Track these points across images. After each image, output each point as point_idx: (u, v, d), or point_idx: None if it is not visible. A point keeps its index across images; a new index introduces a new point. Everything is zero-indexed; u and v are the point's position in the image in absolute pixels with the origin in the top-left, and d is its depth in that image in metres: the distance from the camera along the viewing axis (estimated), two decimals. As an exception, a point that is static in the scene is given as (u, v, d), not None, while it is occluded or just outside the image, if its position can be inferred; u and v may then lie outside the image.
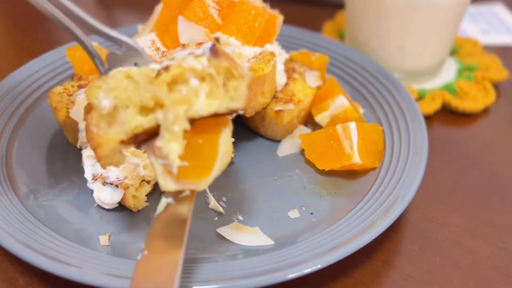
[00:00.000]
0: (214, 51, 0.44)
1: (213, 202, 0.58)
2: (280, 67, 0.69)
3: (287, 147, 0.67)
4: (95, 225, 0.56)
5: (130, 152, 0.58)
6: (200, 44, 0.59)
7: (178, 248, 0.45)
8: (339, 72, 0.77)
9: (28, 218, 0.54)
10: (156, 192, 0.60)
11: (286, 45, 0.79)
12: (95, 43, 0.72)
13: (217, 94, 0.45)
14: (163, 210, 0.48)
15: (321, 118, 0.68)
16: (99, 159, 0.46)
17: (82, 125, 0.60)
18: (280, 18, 0.68)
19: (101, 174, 0.56)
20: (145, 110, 0.45)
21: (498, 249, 0.58)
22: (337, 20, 0.98)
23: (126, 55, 0.52)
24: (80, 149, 0.61)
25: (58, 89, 0.65)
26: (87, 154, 0.57)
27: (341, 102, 0.67)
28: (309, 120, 0.71)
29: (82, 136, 0.61)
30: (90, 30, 0.51)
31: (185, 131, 0.44)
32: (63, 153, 0.64)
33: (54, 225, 0.54)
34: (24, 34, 0.97)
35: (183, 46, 0.60)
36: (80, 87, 0.66)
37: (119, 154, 0.47)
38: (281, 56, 0.71)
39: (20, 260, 0.51)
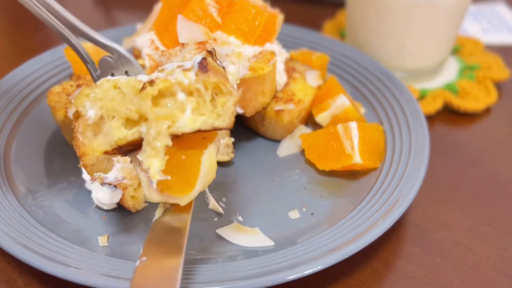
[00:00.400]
0: (203, 66, 0.44)
1: (212, 203, 0.58)
2: (280, 67, 0.69)
3: (287, 147, 0.67)
4: (93, 226, 0.55)
5: None
6: (200, 43, 0.59)
7: (177, 255, 0.45)
8: (339, 72, 0.77)
9: (27, 218, 0.54)
10: None
11: (287, 44, 0.79)
12: (90, 45, 0.72)
13: (204, 109, 0.44)
14: (161, 215, 0.47)
15: (321, 118, 0.68)
16: (85, 167, 0.46)
17: None
18: (280, 17, 0.67)
19: (100, 175, 0.56)
20: (130, 122, 0.45)
21: (499, 249, 0.57)
22: (338, 19, 0.98)
23: (118, 62, 0.53)
24: (79, 149, 0.61)
25: (57, 88, 0.65)
26: None
27: (341, 101, 0.67)
28: (309, 120, 0.70)
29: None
30: (82, 36, 0.51)
31: (168, 146, 0.43)
32: (61, 153, 0.64)
33: (53, 226, 0.54)
34: (24, 34, 0.97)
35: (183, 45, 0.59)
36: (78, 86, 0.66)
37: (106, 161, 0.47)
38: (281, 55, 0.70)
39: (19, 261, 0.51)
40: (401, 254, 0.57)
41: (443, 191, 0.65)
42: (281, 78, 0.69)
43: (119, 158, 0.56)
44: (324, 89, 0.69)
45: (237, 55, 0.61)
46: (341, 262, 0.50)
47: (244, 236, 0.54)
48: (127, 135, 0.44)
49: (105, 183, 0.55)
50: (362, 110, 0.70)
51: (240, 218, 0.57)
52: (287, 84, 0.69)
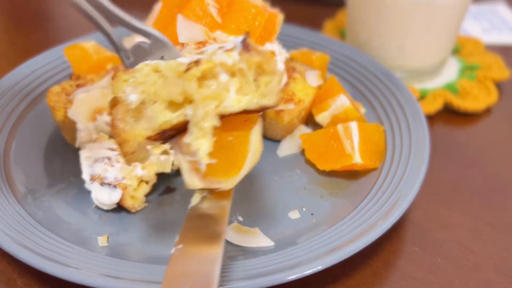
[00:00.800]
0: (246, 45, 0.43)
1: (212, 203, 0.58)
2: (281, 66, 0.69)
3: (287, 147, 0.66)
4: (93, 226, 0.55)
5: None
6: (199, 43, 0.59)
7: (216, 242, 0.42)
8: (340, 72, 0.77)
9: (26, 218, 0.54)
10: (155, 192, 0.59)
11: (287, 44, 0.79)
12: (93, 42, 0.72)
13: (248, 89, 0.43)
14: (199, 202, 0.46)
15: (321, 118, 0.67)
16: (124, 155, 0.45)
17: (80, 125, 0.60)
18: (280, 17, 0.67)
19: (99, 175, 0.56)
20: (173, 105, 0.44)
21: (500, 249, 0.57)
22: (338, 19, 0.98)
23: (153, 48, 0.51)
24: (79, 149, 0.60)
25: (56, 88, 0.65)
26: (85, 155, 0.57)
27: (342, 101, 0.67)
28: (309, 120, 0.70)
29: (80, 136, 0.60)
30: (117, 21, 0.49)
31: (215, 128, 0.43)
32: (61, 153, 0.64)
33: (52, 226, 0.54)
34: (23, 34, 0.97)
35: (182, 45, 0.59)
36: (78, 86, 0.66)
37: (145, 150, 0.45)
38: (282, 55, 0.70)
39: (18, 261, 0.51)
40: (401, 254, 0.57)
41: (444, 191, 0.65)
42: (281, 78, 0.69)
43: (118, 158, 0.56)
44: (324, 89, 0.69)
45: None
46: (341, 262, 0.49)
47: (244, 236, 0.54)
48: (172, 118, 0.44)
49: (105, 183, 0.55)
50: (362, 110, 0.70)
51: (240, 218, 0.57)
52: (287, 84, 0.69)
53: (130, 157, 0.46)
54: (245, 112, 0.44)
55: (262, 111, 0.45)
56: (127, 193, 0.55)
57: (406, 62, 0.80)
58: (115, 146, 0.58)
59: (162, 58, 0.51)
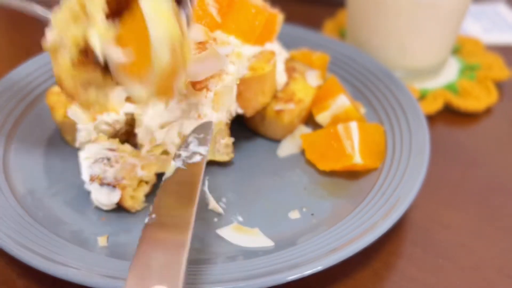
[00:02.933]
0: None
1: (212, 203, 0.58)
2: (281, 66, 0.69)
3: (287, 147, 0.66)
4: (93, 226, 0.55)
5: (127, 152, 0.57)
6: (200, 43, 0.58)
7: (189, 205, 0.44)
8: (340, 71, 0.77)
9: (26, 219, 0.54)
10: (155, 192, 0.59)
11: (287, 44, 0.79)
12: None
13: None
14: (172, 174, 0.47)
15: (322, 117, 0.67)
16: (71, 98, 0.45)
17: (80, 125, 0.60)
18: (280, 16, 0.67)
19: (98, 175, 0.55)
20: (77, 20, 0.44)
21: (502, 250, 0.57)
22: (338, 19, 0.98)
23: None
24: (78, 149, 0.60)
25: (56, 88, 0.65)
26: (85, 156, 0.57)
27: (342, 101, 0.67)
28: (309, 120, 0.70)
29: (80, 136, 0.60)
30: None
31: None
32: (61, 154, 0.63)
33: (52, 226, 0.54)
34: (23, 34, 0.97)
35: None
36: (78, 86, 0.65)
37: (95, 91, 0.45)
38: (282, 55, 0.70)
39: (18, 262, 0.50)
40: (402, 255, 0.56)
41: (444, 191, 0.65)
42: (281, 78, 0.69)
43: (118, 158, 0.56)
44: (324, 89, 0.69)
45: (237, 55, 0.61)
46: (341, 263, 0.49)
47: (244, 236, 0.54)
48: (76, 31, 0.44)
49: (104, 184, 0.55)
50: (363, 110, 0.70)
51: (240, 219, 0.57)
52: (287, 84, 0.69)
53: (82, 104, 0.46)
54: None
55: None
56: (127, 193, 0.55)
57: (406, 61, 0.80)
58: (115, 146, 0.58)
59: None
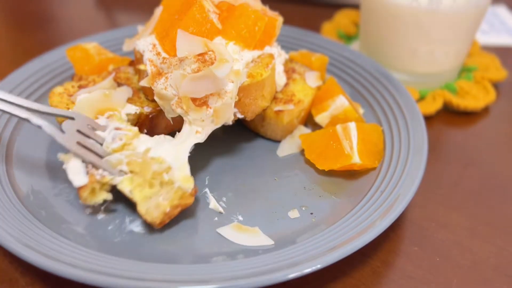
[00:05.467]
0: None
1: (213, 202, 0.58)
2: (280, 68, 0.69)
3: (287, 147, 0.67)
4: (95, 225, 0.55)
5: (133, 132, 0.59)
6: (199, 55, 0.57)
7: None
8: (339, 73, 0.78)
9: (29, 218, 0.55)
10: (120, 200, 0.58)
11: (286, 46, 0.79)
12: (95, 43, 0.73)
13: None
14: None
15: (321, 118, 0.68)
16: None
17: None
18: (280, 20, 0.67)
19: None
20: None
21: (499, 249, 0.58)
22: (336, 20, 0.98)
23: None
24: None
25: (58, 89, 0.65)
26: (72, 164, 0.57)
27: (341, 102, 0.67)
28: (309, 121, 0.71)
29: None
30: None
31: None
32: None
33: (55, 225, 0.55)
34: (25, 35, 0.97)
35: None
36: (80, 87, 0.66)
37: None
38: (281, 56, 0.71)
39: (21, 260, 0.51)
40: (400, 253, 0.57)
41: (442, 191, 0.65)
42: (280, 79, 0.69)
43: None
44: (323, 90, 0.70)
45: (235, 73, 0.59)
46: (340, 261, 0.50)
47: (244, 235, 0.55)
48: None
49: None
50: (361, 111, 0.71)
51: (240, 218, 0.57)
52: (286, 85, 0.70)
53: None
54: None
55: None
56: (91, 185, 0.54)
57: (417, 67, 0.79)
58: (123, 125, 0.59)
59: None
